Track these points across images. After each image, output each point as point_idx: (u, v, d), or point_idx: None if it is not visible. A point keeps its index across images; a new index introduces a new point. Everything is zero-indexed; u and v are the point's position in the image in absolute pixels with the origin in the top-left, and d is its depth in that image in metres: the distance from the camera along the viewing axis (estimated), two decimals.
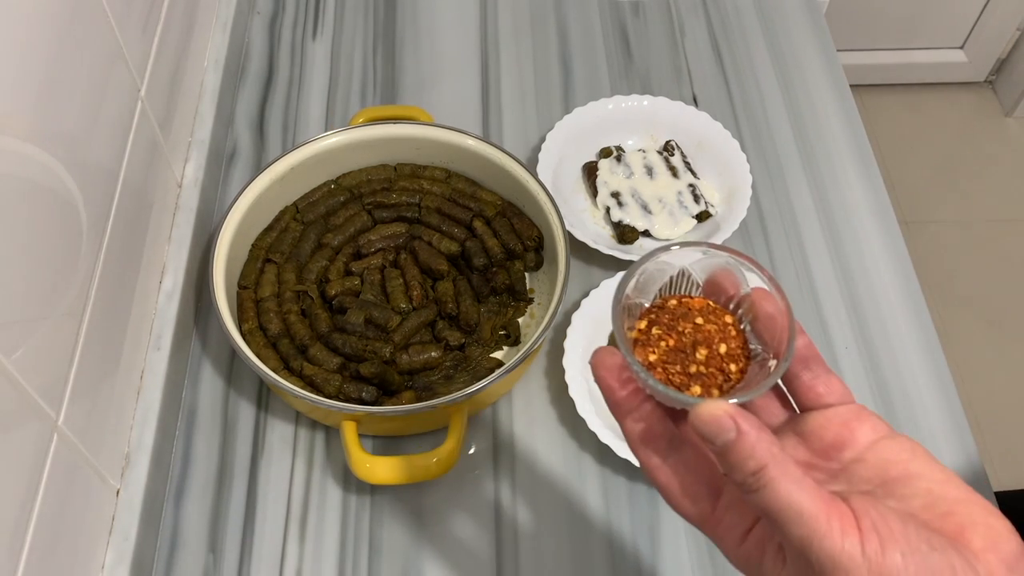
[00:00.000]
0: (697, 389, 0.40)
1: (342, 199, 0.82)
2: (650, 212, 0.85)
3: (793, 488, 0.34)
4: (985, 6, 2.06)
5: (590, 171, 0.89)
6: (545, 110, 0.96)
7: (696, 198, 0.86)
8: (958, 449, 0.75)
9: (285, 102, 0.96)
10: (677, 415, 0.41)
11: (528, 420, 0.76)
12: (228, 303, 0.72)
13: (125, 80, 0.68)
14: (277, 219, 0.81)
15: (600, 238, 0.84)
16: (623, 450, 0.69)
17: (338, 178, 0.83)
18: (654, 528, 0.71)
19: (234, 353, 0.78)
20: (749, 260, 0.41)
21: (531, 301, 0.79)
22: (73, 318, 0.59)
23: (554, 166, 0.87)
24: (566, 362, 0.74)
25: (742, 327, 0.41)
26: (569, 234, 0.77)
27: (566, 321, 0.76)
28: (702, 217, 0.86)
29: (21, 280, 0.52)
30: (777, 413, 0.42)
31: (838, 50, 1.03)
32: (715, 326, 0.41)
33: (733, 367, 0.40)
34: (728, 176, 0.87)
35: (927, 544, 0.34)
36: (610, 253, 0.81)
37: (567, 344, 0.75)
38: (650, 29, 1.04)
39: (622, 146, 0.91)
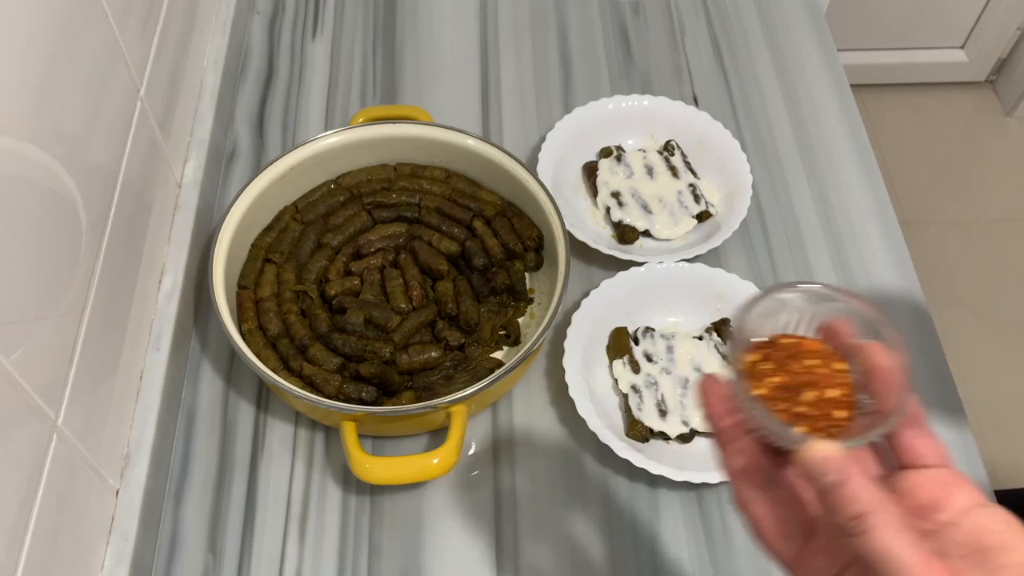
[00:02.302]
0: (803, 428, 0.39)
1: (342, 199, 0.82)
2: (650, 212, 0.85)
3: (895, 539, 0.34)
4: (985, 6, 2.06)
5: (590, 171, 0.89)
6: (545, 110, 0.96)
7: (696, 198, 0.86)
8: (958, 449, 0.75)
9: (285, 102, 0.96)
10: (775, 454, 0.41)
11: (528, 420, 0.76)
12: (228, 303, 0.72)
13: (125, 80, 0.68)
14: (277, 219, 0.81)
15: (600, 238, 0.84)
16: (623, 450, 0.69)
17: (338, 178, 0.83)
18: (654, 528, 0.71)
19: (234, 353, 0.78)
20: (874, 310, 0.40)
21: (531, 301, 0.79)
22: (73, 318, 0.59)
23: (554, 166, 0.87)
24: (566, 362, 0.74)
25: (852, 376, 0.41)
26: (569, 234, 0.77)
27: (566, 321, 0.76)
28: (702, 217, 0.86)
29: (21, 280, 0.51)
30: (872, 467, 0.41)
31: (838, 50, 1.03)
32: (826, 371, 0.41)
33: (839, 413, 0.40)
34: (728, 176, 0.87)
35: None
36: (610, 253, 0.80)
37: (567, 344, 0.75)
38: (650, 29, 1.03)
39: (622, 146, 0.91)
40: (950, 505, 0.38)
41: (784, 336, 0.42)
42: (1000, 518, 0.38)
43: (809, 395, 0.40)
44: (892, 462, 0.41)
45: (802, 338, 0.42)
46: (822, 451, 0.37)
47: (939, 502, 0.38)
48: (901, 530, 0.35)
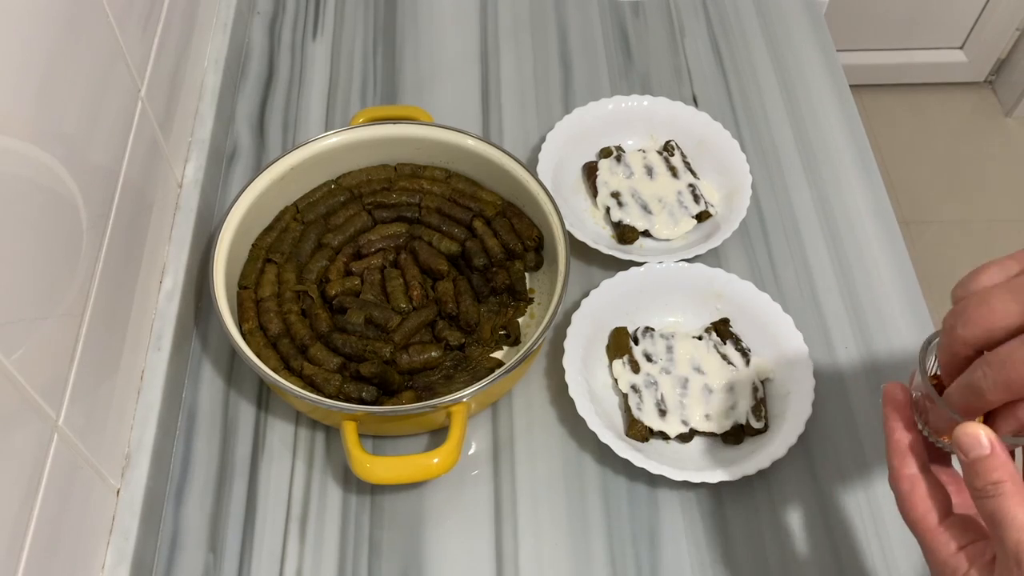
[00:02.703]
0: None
1: (342, 199, 0.82)
2: (650, 212, 0.85)
3: (1021, 504, 0.42)
4: (985, 6, 2.06)
5: (590, 171, 0.89)
6: (545, 110, 0.96)
7: (696, 198, 0.86)
8: None
9: (285, 102, 0.96)
10: (933, 453, 0.50)
11: (528, 420, 0.76)
12: (228, 303, 0.72)
13: (125, 80, 0.68)
14: (277, 219, 0.81)
15: (600, 238, 0.84)
16: (623, 450, 0.69)
17: (338, 178, 0.83)
18: (654, 528, 0.71)
19: (234, 353, 0.78)
20: None
21: (531, 301, 0.79)
22: (73, 318, 0.59)
23: (554, 166, 0.87)
24: (566, 362, 0.74)
25: None
26: (569, 234, 0.77)
27: (566, 321, 0.76)
28: (702, 217, 0.86)
29: (21, 280, 0.52)
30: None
31: (838, 50, 1.03)
32: None
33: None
34: (728, 176, 0.87)
35: None
36: (610, 253, 0.81)
37: (567, 344, 0.75)
38: (650, 29, 1.04)
39: (622, 146, 0.91)
40: None
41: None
42: None
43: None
44: None
45: None
46: (974, 429, 0.45)
47: None
48: None
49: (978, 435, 0.45)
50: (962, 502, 0.50)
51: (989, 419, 0.48)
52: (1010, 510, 0.42)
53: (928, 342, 0.51)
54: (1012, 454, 0.48)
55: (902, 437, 0.50)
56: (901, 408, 0.51)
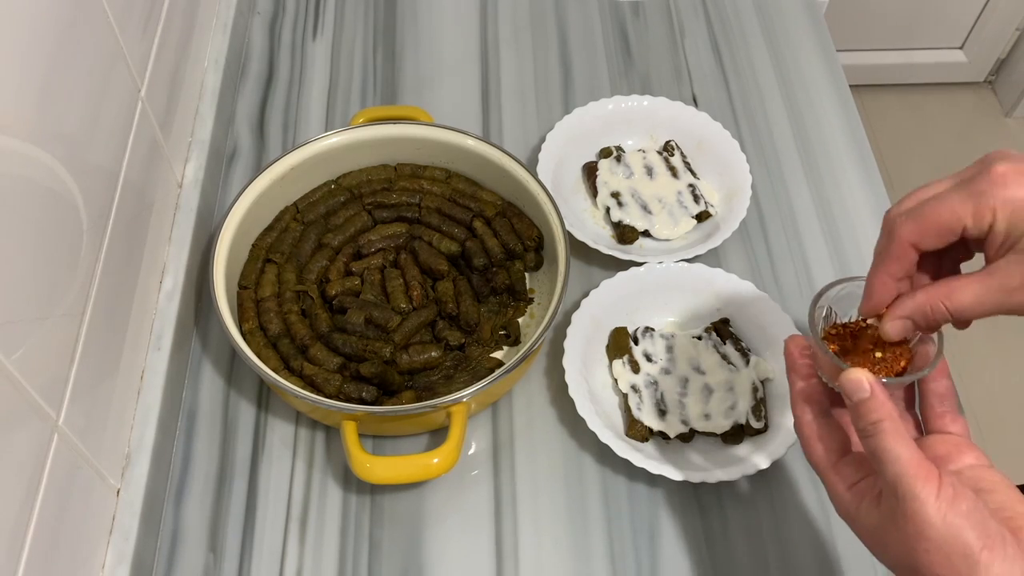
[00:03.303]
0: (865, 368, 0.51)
1: (342, 199, 0.82)
2: (650, 212, 0.85)
3: (898, 440, 0.46)
4: (985, 6, 2.06)
5: (590, 171, 0.89)
6: (545, 110, 0.96)
7: (696, 198, 0.86)
8: None
9: (285, 102, 0.96)
10: (834, 398, 0.53)
11: (528, 420, 0.76)
12: (228, 303, 0.72)
13: (125, 80, 0.68)
14: (277, 219, 0.81)
15: (600, 238, 0.84)
16: (623, 450, 0.69)
17: (338, 178, 0.83)
18: (654, 528, 0.71)
19: (234, 353, 0.78)
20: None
21: (531, 301, 0.79)
22: (73, 318, 0.59)
23: (554, 166, 0.87)
24: (566, 362, 0.74)
25: (912, 352, 0.54)
26: (569, 234, 0.77)
27: (566, 321, 0.76)
28: (702, 217, 0.86)
29: (21, 280, 0.52)
30: (911, 431, 0.53)
31: (838, 50, 1.03)
32: (896, 344, 0.54)
33: (903, 366, 0.53)
34: (728, 176, 0.87)
35: (990, 514, 0.44)
36: (610, 253, 0.81)
37: (567, 344, 0.75)
38: (650, 29, 1.04)
39: (622, 146, 0.91)
40: (959, 459, 0.50)
41: (859, 322, 0.54)
42: (997, 477, 0.48)
43: (878, 353, 0.53)
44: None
45: (874, 324, 0.54)
46: (856, 374, 0.49)
47: (951, 456, 0.50)
48: (905, 437, 0.46)
49: (860, 379, 0.48)
50: None
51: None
52: (889, 446, 0.46)
53: (818, 296, 0.55)
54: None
55: (802, 386, 0.54)
56: (801, 358, 0.54)
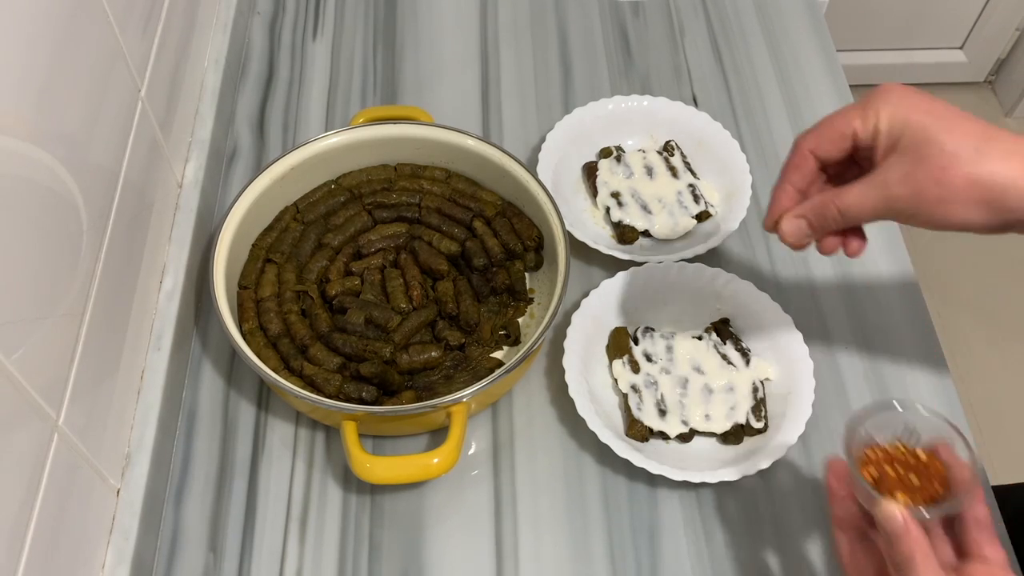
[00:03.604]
0: (901, 497, 0.52)
1: (342, 199, 0.82)
2: (650, 212, 0.85)
3: (929, 573, 0.48)
4: (985, 6, 2.06)
5: (590, 171, 0.89)
6: (545, 110, 0.96)
7: (696, 198, 0.86)
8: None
9: (285, 102, 0.96)
10: (872, 519, 0.53)
11: (528, 420, 0.76)
12: (228, 303, 0.72)
13: (125, 80, 0.68)
14: (277, 219, 0.81)
15: (600, 238, 0.84)
16: (623, 450, 0.69)
17: (338, 178, 0.83)
18: (654, 528, 0.71)
19: (234, 353, 0.78)
20: (961, 437, 0.54)
21: (531, 301, 0.79)
22: (73, 318, 0.59)
23: (554, 166, 0.87)
24: (566, 362, 0.74)
25: (948, 477, 0.54)
26: (569, 234, 0.77)
27: (566, 321, 0.76)
28: (702, 217, 0.86)
29: (21, 280, 0.52)
30: (948, 555, 0.53)
31: (838, 50, 1.03)
32: (931, 468, 0.54)
33: (938, 490, 0.53)
34: (728, 176, 0.87)
35: None
36: (610, 253, 0.81)
37: (567, 344, 0.75)
38: (650, 29, 1.04)
39: (622, 146, 0.91)
40: None
41: (899, 444, 0.55)
42: None
43: (914, 479, 0.53)
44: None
45: (910, 448, 0.55)
46: (892, 510, 0.50)
47: None
48: (936, 572, 0.48)
49: (894, 513, 0.50)
50: None
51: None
52: None
53: (854, 422, 0.55)
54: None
55: (839, 509, 0.55)
56: (840, 480, 0.56)
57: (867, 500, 0.53)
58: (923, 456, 0.54)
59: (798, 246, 0.59)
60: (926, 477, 0.54)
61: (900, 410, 0.55)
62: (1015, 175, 0.51)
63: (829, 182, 0.59)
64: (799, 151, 0.58)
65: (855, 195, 0.55)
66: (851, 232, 0.60)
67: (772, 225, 0.59)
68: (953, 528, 0.54)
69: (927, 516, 0.51)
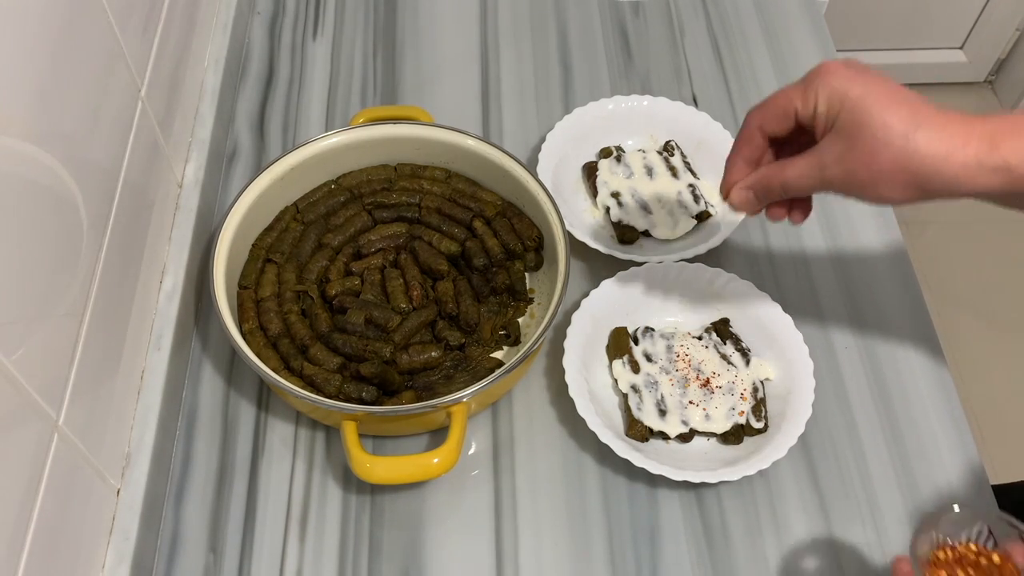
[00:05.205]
0: None
1: (342, 199, 0.82)
2: (650, 212, 0.85)
3: None
4: (985, 6, 2.06)
5: (590, 171, 0.89)
6: (545, 110, 0.96)
7: (696, 198, 0.86)
8: (958, 449, 0.75)
9: (285, 102, 0.96)
10: None
11: (528, 420, 0.76)
12: (228, 303, 0.72)
13: (125, 80, 0.68)
14: (277, 219, 0.81)
15: (600, 238, 0.84)
16: (623, 450, 0.69)
17: (338, 178, 0.83)
18: (654, 528, 0.71)
19: (234, 353, 0.78)
20: None
21: (531, 301, 0.79)
22: (73, 318, 0.59)
23: (554, 166, 0.87)
24: (566, 362, 0.74)
25: None
26: (569, 234, 0.77)
27: (566, 321, 0.76)
28: (702, 217, 0.86)
29: (22, 280, 0.52)
30: None
31: (838, 50, 1.03)
32: (1005, 572, 0.53)
33: None
34: None
35: None
36: (610, 253, 0.81)
37: (567, 344, 0.75)
38: (650, 29, 1.04)
39: (622, 146, 0.91)
40: None
41: (972, 544, 0.55)
42: None
43: None
44: None
45: (984, 549, 0.54)
46: None
47: None
48: None
49: None
50: None
51: None
52: None
53: (919, 528, 0.54)
54: None
55: None
56: None
57: None
58: (996, 559, 0.53)
59: (749, 213, 0.65)
60: None
61: (973, 512, 0.54)
62: (938, 161, 0.54)
63: (787, 146, 0.62)
64: (748, 126, 0.62)
65: (795, 171, 0.59)
66: (797, 202, 0.64)
67: (725, 194, 0.64)
68: None
69: None
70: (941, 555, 0.54)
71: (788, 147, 0.61)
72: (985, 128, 0.54)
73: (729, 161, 0.63)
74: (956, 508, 0.55)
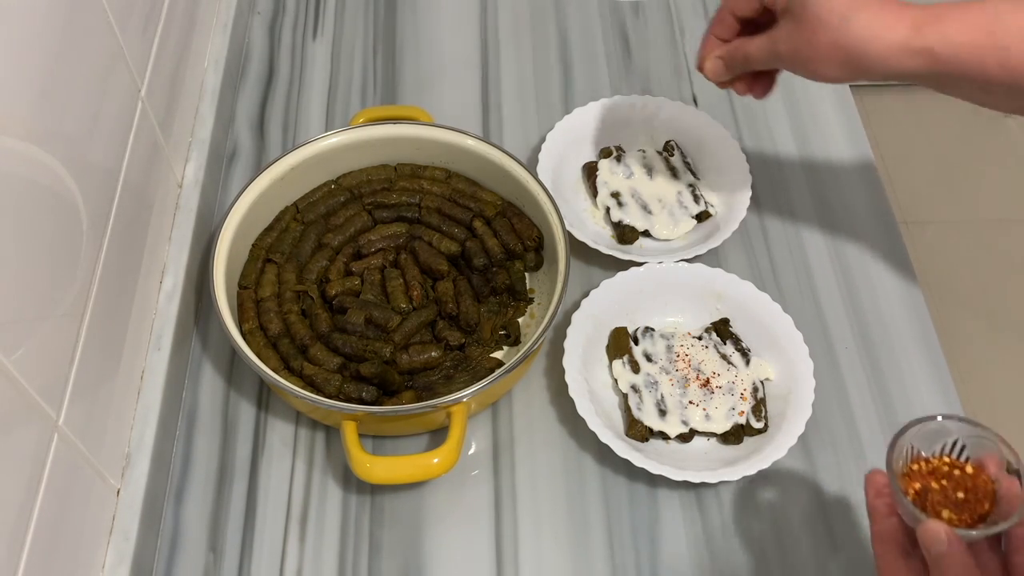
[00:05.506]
0: (946, 514, 0.52)
1: (342, 199, 0.82)
2: (650, 212, 0.85)
3: None
4: None
5: (590, 171, 0.89)
6: (545, 110, 0.96)
7: (696, 198, 0.86)
8: None
9: (285, 102, 0.96)
10: (915, 540, 0.52)
11: (528, 420, 0.76)
12: (228, 303, 0.72)
13: (125, 80, 0.68)
14: (277, 219, 0.81)
15: (600, 238, 0.84)
16: (623, 450, 0.69)
17: (338, 178, 0.83)
18: (654, 528, 0.71)
19: (234, 353, 0.78)
20: (1014, 455, 0.53)
21: (531, 301, 0.79)
22: (73, 318, 0.59)
23: (554, 166, 0.87)
24: (566, 362, 0.74)
25: (996, 494, 0.53)
26: (569, 234, 0.77)
27: (566, 321, 0.76)
28: (702, 217, 0.86)
29: (21, 280, 0.52)
30: (996, 573, 0.52)
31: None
32: (979, 483, 0.53)
33: (985, 506, 0.52)
34: (728, 176, 0.87)
35: None
36: (610, 253, 0.81)
37: (567, 344, 0.75)
38: (650, 29, 1.04)
39: (622, 146, 0.91)
40: None
41: (945, 457, 0.55)
42: None
43: (960, 495, 0.53)
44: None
45: (956, 462, 0.54)
46: (936, 529, 0.49)
47: None
48: None
49: (938, 532, 0.49)
50: None
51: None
52: None
53: (898, 435, 0.54)
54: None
55: (882, 525, 0.54)
56: (880, 496, 0.55)
57: (910, 518, 0.52)
58: (970, 470, 0.53)
59: (719, 83, 0.73)
60: (973, 492, 0.53)
61: (946, 423, 0.54)
62: (869, 43, 0.61)
63: (758, 29, 0.69)
64: (721, 9, 0.71)
65: (754, 45, 0.68)
66: (759, 79, 0.73)
67: (700, 65, 0.73)
68: (1000, 545, 0.52)
69: (973, 535, 0.50)
70: (915, 467, 0.54)
71: (759, 30, 0.69)
72: (914, 14, 0.60)
73: (704, 38, 0.73)
74: (927, 419, 0.55)
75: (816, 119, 0.96)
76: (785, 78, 1.00)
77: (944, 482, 0.53)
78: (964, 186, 2.05)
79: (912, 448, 0.55)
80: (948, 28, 0.59)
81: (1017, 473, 0.52)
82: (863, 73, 0.63)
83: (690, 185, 0.87)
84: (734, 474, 0.69)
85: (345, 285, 0.77)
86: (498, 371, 0.69)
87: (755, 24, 0.70)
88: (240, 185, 0.88)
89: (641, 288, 0.79)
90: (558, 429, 0.75)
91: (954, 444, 0.55)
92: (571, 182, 0.89)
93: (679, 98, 0.94)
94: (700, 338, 0.78)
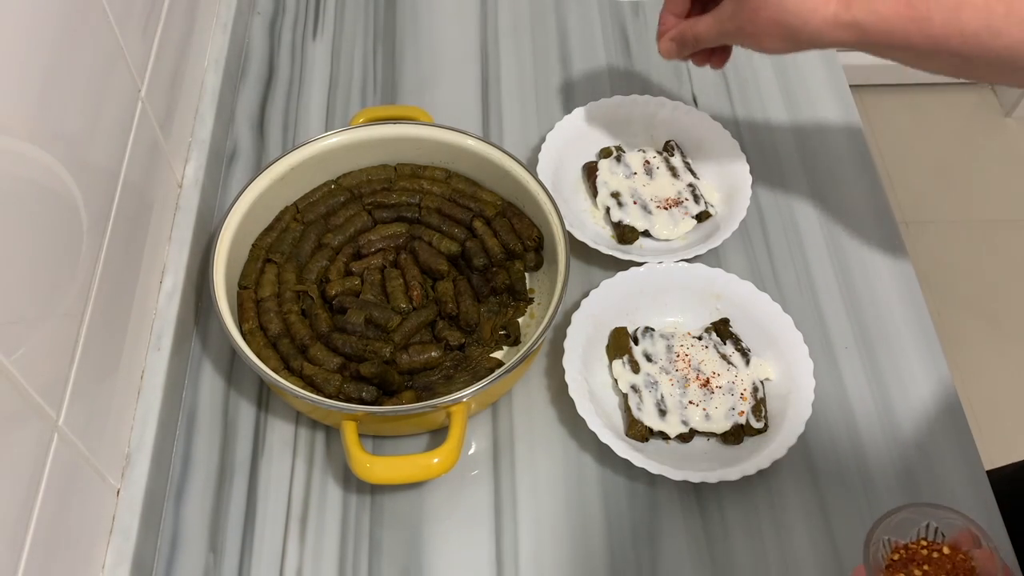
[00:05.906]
0: None
1: (342, 199, 0.82)
2: (650, 212, 0.85)
3: None
4: None
5: (590, 171, 0.89)
6: (545, 110, 0.96)
7: (696, 198, 0.86)
8: (957, 449, 0.75)
9: (285, 102, 0.96)
10: None
11: (528, 420, 0.76)
12: (228, 303, 0.72)
13: (125, 80, 0.68)
14: (277, 219, 0.81)
15: (600, 238, 0.84)
16: (623, 450, 0.69)
17: (338, 178, 0.83)
18: (654, 528, 0.71)
19: (234, 353, 0.78)
20: (981, 531, 0.55)
21: (531, 301, 0.79)
22: (73, 318, 0.59)
23: (554, 166, 0.87)
24: (566, 362, 0.74)
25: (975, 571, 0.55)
26: (569, 234, 0.77)
27: (566, 321, 0.76)
28: (702, 217, 0.86)
29: (21, 280, 0.52)
30: None
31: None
32: (957, 562, 0.55)
33: None
34: (728, 176, 0.87)
35: None
36: (610, 253, 0.81)
37: (567, 344, 0.75)
38: (650, 29, 1.04)
39: (622, 146, 0.91)
40: None
41: (921, 541, 0.56)
42: None
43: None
44: None
45: (935, 544, 0.56)
46: None
47: None
48: None
49: None
50: None
51: None
52: None
53: (873, 529, 0.56)
54: None
55: None
56: None
57: None
58: (947, 551, 0.55)
59: (675, 59, 0.77)
60: (954, 572, 0.54)
61: (911, 512, 0.56)
62: (804, 18, 0.65)
63: (711, 4, 0.72)
64: None
65: (703, 25, 0.72)
66: (716, 51, 0.77)
67: (657, 45, 0.77)
68: None
69: None
70: (896, 557, 0.56)
71: (708, 3, 0.73)
72: None
73: (660, 16, 0.77)
74: (901, 511, 0.57)
75: (816, 119, 0.96)
76: (786, 79, 1.01)
77: (926, 567, 0.55)
78: (964, 186, 2.05)
79: (887, 541, 0.56)
80: (874, 2, 0.63)
81: (991, 548, 0.53)
82: (804, 44, 0.67)
83: (690, 185, 0.87)
84: (734, 474, 0.69)
85: (345, 285, 0.77)
86: (498, 371, 0.69)
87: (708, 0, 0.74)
88: (240, 185, 0.88)
89: (641, 288, 0.79)
90: (558, 429, 0.75)
91: (927, 527, 0.56)
92: (571, 182, 0.89)
93: (679, 98, 0.94)
94: (700, 338, 0.78)
